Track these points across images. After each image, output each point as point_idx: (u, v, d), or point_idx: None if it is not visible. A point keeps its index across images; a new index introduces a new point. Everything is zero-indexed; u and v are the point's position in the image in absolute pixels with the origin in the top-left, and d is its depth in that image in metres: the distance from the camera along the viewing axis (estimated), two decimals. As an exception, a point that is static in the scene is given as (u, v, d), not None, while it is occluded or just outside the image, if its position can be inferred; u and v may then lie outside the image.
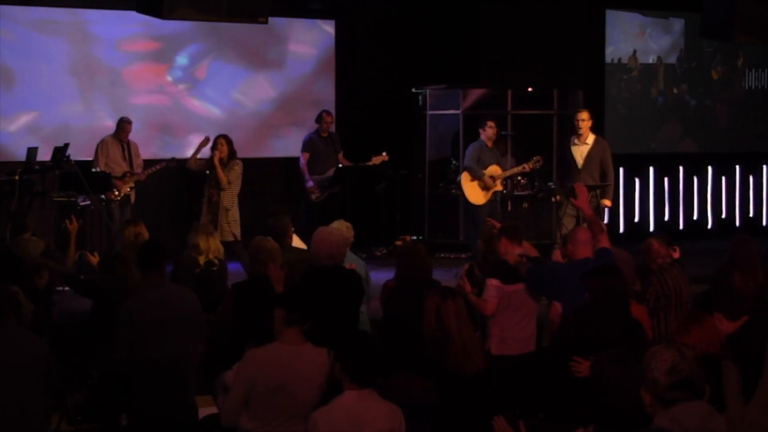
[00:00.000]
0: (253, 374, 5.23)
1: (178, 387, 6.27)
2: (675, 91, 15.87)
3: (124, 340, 6.25)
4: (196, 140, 12.02)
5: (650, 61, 15.59)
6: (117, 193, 11.39)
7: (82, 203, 11.20)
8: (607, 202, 11.51)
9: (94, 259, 8.01)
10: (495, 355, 7.18)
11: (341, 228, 7.75)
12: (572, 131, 11.63)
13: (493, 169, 12.09)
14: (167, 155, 12.38)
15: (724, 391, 3.85)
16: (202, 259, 8.14)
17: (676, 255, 8.22)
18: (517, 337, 7.29)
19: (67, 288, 9.93)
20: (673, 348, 3.88)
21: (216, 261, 8.20)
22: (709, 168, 16.11)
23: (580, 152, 11.48)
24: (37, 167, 11.38)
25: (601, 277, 6.25)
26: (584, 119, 11.42)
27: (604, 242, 7.09)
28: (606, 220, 11.92)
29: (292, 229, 8.68)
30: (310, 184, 12.41)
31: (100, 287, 7.26)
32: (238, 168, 11.34)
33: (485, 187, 11.99)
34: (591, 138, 11.50)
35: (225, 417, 5.33)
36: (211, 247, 8.19)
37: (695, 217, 16.01)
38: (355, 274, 7.29)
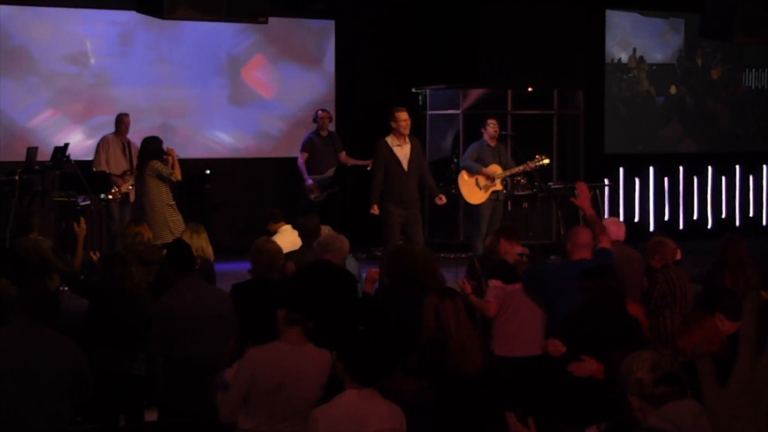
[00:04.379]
0: (253, 372, 5.24)
1: (206, 387, 6.32)
2: (675, 91, 15.88)
3: (157, 336, 6.33)
4: (194, 140, 12.01)
5: (650, 61, 15.59)
6: (117, 190, 11.38)
7: (82, 203, 11.20)
8: (443, 198, 10.99)
9: (96, 258, 8.00)
10: (498, 355, 7.18)
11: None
12: (387, 131, 10.75)
13: (494, 168, 12.06)
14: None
15: (699, 378, 3.88)
16: None
17: (678, 256, 8.25)
18: (520, 337, 7.25)
19: (67, 288, 9.97)
20: (650, 350, 4.02)
21: (197, 260, 8.09)
22: (709, 168, 16.12)
23: (403, 154, 10.72)
24: (37, 167, 11.39)
25: (595, 277, 6.27)
26: (406, 119, 10.67)
27: (605, 242, 7.09)
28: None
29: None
30: (310, 182, 12.37)
31: (97, 287, 7.26)
32: None
33: (484, 186, 11.96)
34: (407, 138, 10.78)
35: (224, 414, 5.35)
36: (193, 244, 8.12)
37: (695, 217, 16.01)
38: (346, 271, 7.32)
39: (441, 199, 11.05)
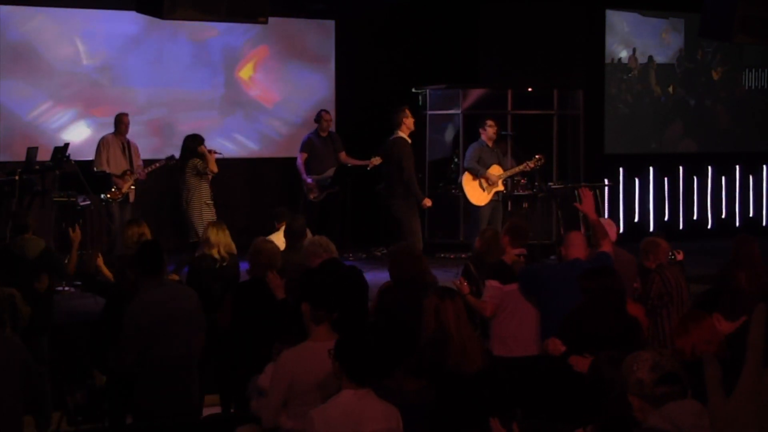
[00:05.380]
0: (291, 374, 5.26)
1: (183, 386, 6.29)
2: (675, 91, 15.88)
3: (129, 345, 6.23)
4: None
5: (650, 61, 15.59)
6: (116, 189, 11.39)
7: (82, 203, 11.20)
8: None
9: (99, 260, 7.97)
10: (496, 356, 7.19)
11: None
12: (395, 128, 11.14)
13: (494, 169, 12.07)
14: (166, 154, 12.39)
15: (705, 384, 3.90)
16: (215, 253, 8.03)
17: (680, 257, 8.26)
18: (517, 338, 7.29)
19: (67, 288, 9.97)
20: (650, 350, 4.04)
21: (226, 255, 8.11)
22: (709, 168, 16.12)
23: None
24: (37, 167, 11.38)
25: (595, 277, 6.29)
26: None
27: (607, 247, 7.12)
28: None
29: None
30: (309, 181, 12.37)
31: (113, 287, 7.24)
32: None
33: (487, 187, 11.97)
34: None
35: (266, 419, 5.34)
36: (221, 240, 8.11)
37: (695, 217, 16.01)
38: (357, 270, 7.34)
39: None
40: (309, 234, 8.49)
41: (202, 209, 10.87)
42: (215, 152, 11.34)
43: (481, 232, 8.72)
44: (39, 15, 12.68)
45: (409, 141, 11.12)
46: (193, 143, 11.16)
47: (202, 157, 11.08)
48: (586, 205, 7.33)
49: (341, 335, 4.99)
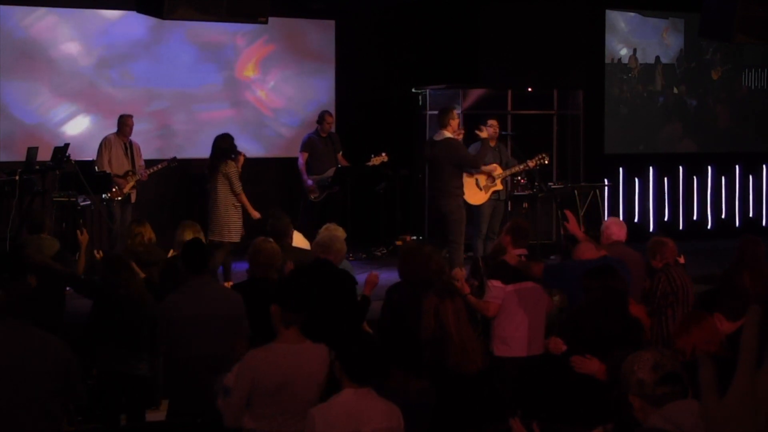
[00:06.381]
0: (254, 375, 5.24)
1: (212, 385, 6.32)
2: (675, 91, 15.88)
3: (163, 334, 6.34)
4: (195, 140, 12.00)
5: (650, 61, 15.59)
6: (116, 189, 11.39)
7: (82, 203, 11.20)
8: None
9: (99, 257, 7.99)
10: (497, 356, 7.19)
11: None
12: (440, 128, 11.12)
13: (494, 167, 12.05)
14: (168, 155, 12.40)
15: (699, 384, 3.92)
16: None
17: (681, 260, 8.29)
18: (518, 337, 7.30)
19: (68, 288, 9.96)
20: (651, 350, 4.01)
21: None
22: (709, 168, 16.12)
23: None
24: (37, 167, 11.39)
25: (597, 276, 6.29)
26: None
27: (602, 253, 7.24)
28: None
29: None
30: (309, 183, 12.38)
31: (101, 287, 7.25)
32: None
33: (484, 186, 11.95)
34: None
35: (228, 418, 5.34)
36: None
37: (695, 217, 16.01)
38: (346, 272, 7.33)
39: None
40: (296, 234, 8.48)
41: (228, 209, 10.90)
42: (241, 154, 11.29)
43: (503, 229, 8.80)
44: (39, 15, 12.68)
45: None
46: (224, 143, 11.12)
47: (236, 159, 11.06)
48: (572, 225, 7.73)
49: (337, 336, 4.99)
